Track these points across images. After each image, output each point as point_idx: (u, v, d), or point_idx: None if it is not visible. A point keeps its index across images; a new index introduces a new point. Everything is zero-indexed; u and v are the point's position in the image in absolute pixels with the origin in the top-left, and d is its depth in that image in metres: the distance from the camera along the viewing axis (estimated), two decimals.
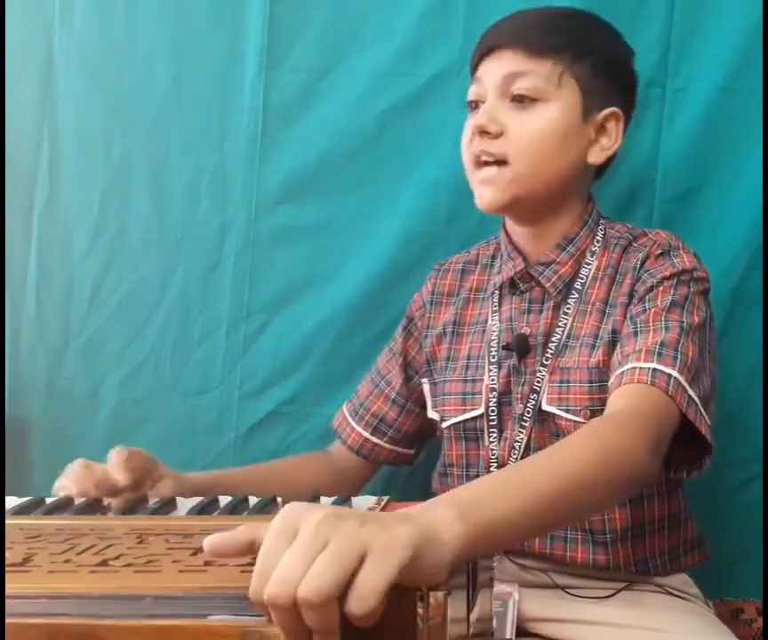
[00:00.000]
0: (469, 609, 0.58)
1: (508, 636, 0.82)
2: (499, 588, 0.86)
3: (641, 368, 0.86)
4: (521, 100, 0.96)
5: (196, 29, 1.25)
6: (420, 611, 0.50)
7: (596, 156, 1.00)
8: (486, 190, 0.98)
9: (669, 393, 0.84)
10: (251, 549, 0.51)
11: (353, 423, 1.12)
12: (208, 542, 0.52)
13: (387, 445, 1.12)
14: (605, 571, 0.98)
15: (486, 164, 0.97)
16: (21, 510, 0.78)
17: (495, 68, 0.98)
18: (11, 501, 0.80)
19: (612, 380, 0.89)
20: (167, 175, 1.27)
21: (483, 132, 0.97)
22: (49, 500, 0.81)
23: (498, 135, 0.96)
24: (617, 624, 0.94)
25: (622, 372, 0.87)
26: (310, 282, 1.26)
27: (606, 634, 0.93)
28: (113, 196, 1.27)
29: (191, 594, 0.52)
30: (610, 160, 1.03)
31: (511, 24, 0.99)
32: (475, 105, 1.00)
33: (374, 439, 1.11)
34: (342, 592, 0.48)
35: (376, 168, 1.23)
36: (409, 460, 1.15)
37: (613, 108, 0.99)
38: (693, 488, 1.07)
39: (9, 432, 1.21)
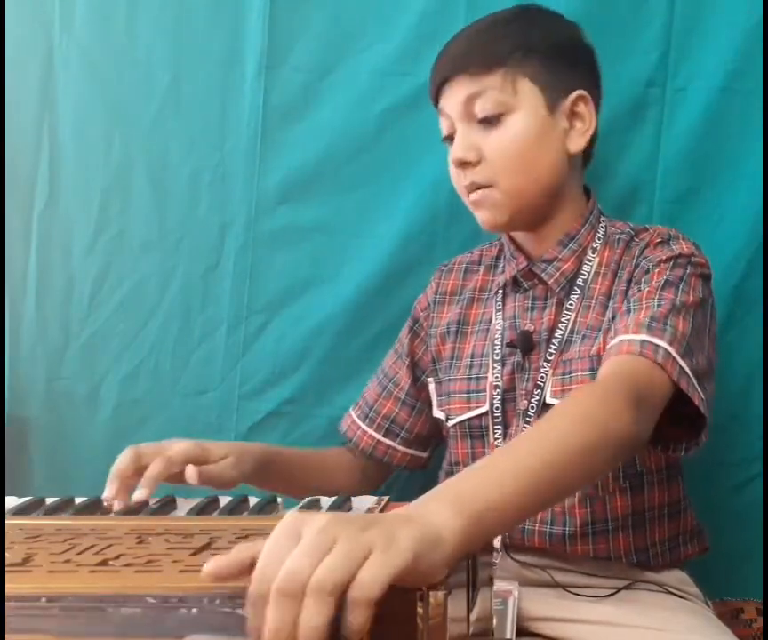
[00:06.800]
0: (469, 608, 0.58)
1: (508, 636, 0.82)
2: (499, 585, 0.86)
3: (630, 340, 0.86)
4: (487, 121, 0.97)
5: (196, 29, 1.25)
6: (420, 610, 0.50)
7: (575, 144, 1.00)
8: (483, 212, 1.01)
9: (659, 362, 0.84)
10: (252, 567, 0.50)
11: (364, 426, 1.13)
12: (207, 569, 0.51)
13: (400, 447, 1.12)
14: (606, 562, 0.98)
15: (477, 189, 0.99)
16: (21, 510, 0.78)
17: (453, 99, 1.00)
18: (11, 501, 0.80)
19: (604, 356, 0.90)
20: (167, 175, 1.27)
21: (463, 164, 0.99)
22: (49, 500, 0.81)
23: (478, 162, 0.98)
24: (617, 623, 0.94)
25: (612, 346, 0.88)
26: (310, 282, 1.25)
27: (606, 633, 0.93)
28: (113, 195, 1.27)
29: (191, 594, 0.52)
30: (592, 142, 1.03)
31: (456, 51, 1.01)
32: (450, 138, 1.02)
33: (387, 441, 1.12)
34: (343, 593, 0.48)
35: (376, 168, 1.23)
36: (422, 464, 1.14)
37: (578, 91, 0.99)
38: (694, 487, 1.07)
39: (9, 432, 1.21)
